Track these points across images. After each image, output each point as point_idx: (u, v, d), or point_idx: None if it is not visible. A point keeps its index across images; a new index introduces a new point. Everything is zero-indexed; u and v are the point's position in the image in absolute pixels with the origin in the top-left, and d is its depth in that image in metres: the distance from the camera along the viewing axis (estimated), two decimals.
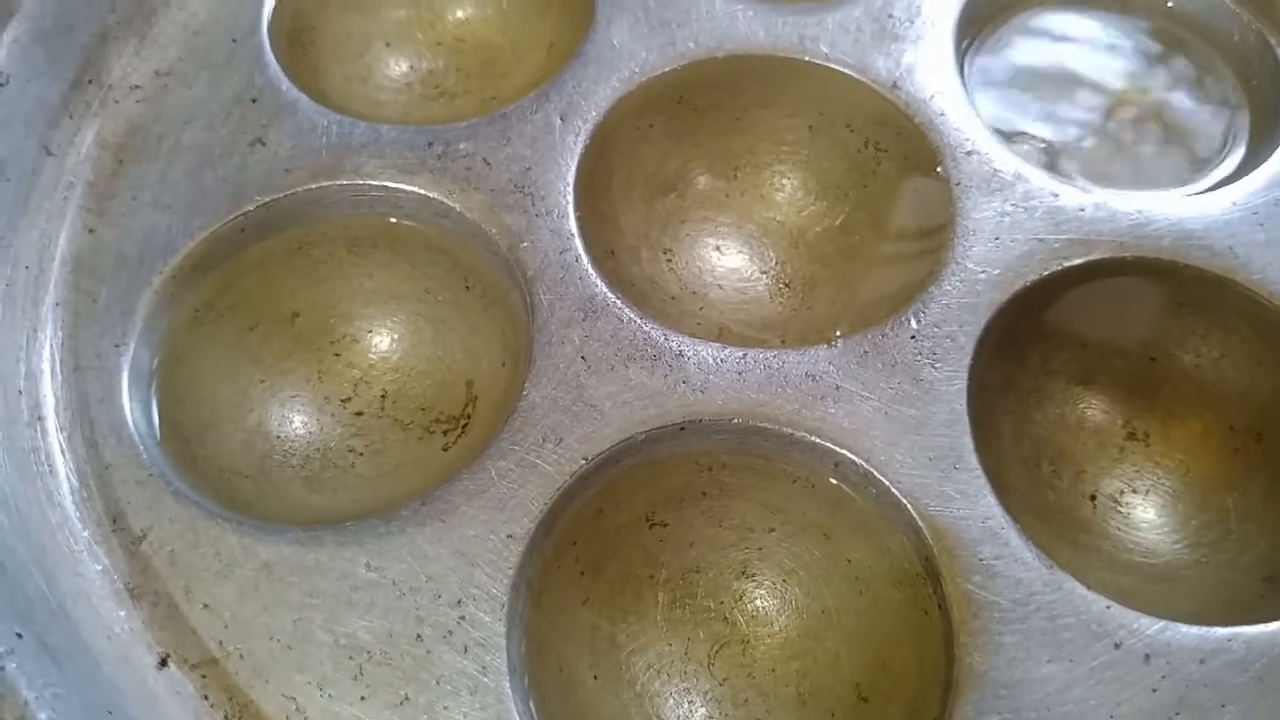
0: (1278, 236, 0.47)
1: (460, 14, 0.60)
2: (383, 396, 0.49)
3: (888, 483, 0.41)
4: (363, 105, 0.55)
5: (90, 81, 0.51)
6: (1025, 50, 0.56)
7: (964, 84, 0.52)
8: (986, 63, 0.55)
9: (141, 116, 0.51)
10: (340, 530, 0.41)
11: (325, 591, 0.40)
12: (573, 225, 0.48)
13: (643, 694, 0.42)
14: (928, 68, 0.52)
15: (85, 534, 0.42)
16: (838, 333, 0.47)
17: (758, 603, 0.44)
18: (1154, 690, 0.38)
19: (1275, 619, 0.39)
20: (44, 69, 0.49)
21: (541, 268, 0.47)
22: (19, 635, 0.36)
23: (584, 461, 0.42)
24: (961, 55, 0.54)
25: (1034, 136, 0.53)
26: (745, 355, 0.44)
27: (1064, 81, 0.55)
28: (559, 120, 0.51)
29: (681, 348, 0.45)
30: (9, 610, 0.37)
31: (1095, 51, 0.56)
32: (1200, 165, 0.53)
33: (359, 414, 0.49)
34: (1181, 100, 0.55)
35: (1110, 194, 0.48)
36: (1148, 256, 0.46)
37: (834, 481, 0.42)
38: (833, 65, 0.52)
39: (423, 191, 0.49)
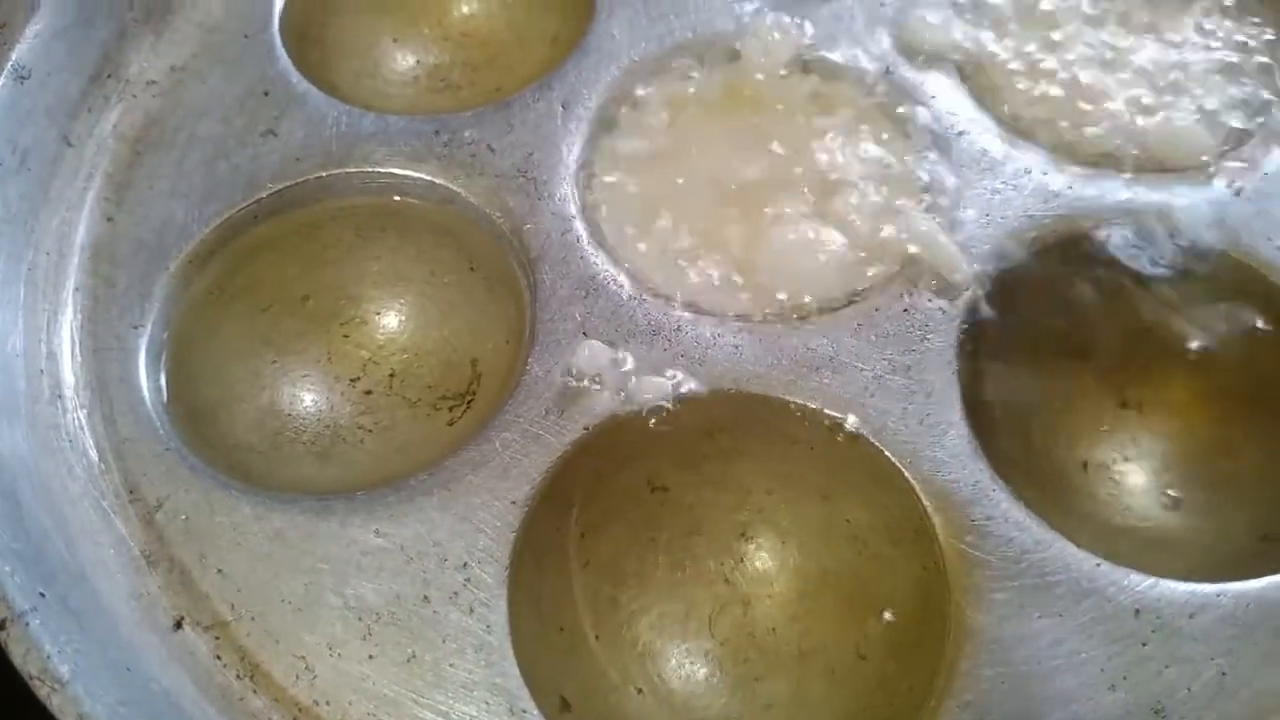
0: (1266, 210, 0.48)
1: (465, 9, 0.61)
2: (391, 376, 0.51)
3: (882, 447, 0.43)
4: (371, 99, 0.56)
5: (109, 76, 0.53)
6: None
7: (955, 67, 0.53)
8: None
9: (158, 110, 0.53)
10: (350, 500, 0.42)
11: (335, 557, 0.41)
12: (574, 208, 0.49)
13: (644, 654, 0.43)
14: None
15: (104, 504, 0.43)
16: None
17: (758, 563, 0.45)
18: (1144, 644, 0.39)
19: (1261, 575, 0.40)
20: (64, 63, 0.51)
21: (544, 249, 0.48)
22: (42, 595, 0.37)
23: (584, 430, 0.43)
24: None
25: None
26: (741, 328, 0.46)
27: None
28: (561, 108, 0.52)
29: (679, 323, 0.46)
30: (33, 572, 0.38)
31: None
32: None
33: (368, 393, 0.50)
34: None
35: (1098, 173, 0.49)
36: (1138, 230, 0.47)
37: (831, 445, 0.43)
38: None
39: (429, 178, 0.50)
